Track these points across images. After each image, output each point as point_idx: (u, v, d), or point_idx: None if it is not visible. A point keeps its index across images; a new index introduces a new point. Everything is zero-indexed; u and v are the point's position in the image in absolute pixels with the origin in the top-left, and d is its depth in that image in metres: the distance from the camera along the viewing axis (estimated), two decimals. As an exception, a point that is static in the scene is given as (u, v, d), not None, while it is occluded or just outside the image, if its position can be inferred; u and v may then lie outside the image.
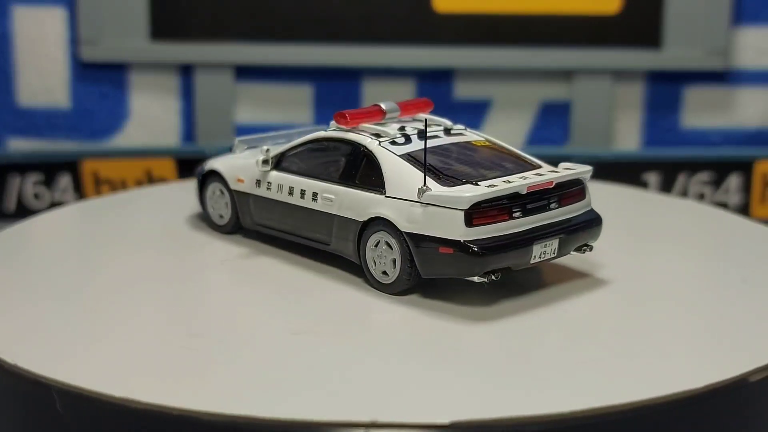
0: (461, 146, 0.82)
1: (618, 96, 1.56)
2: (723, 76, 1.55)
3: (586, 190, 0.81)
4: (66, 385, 0.62)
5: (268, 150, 0.88)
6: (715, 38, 1.51)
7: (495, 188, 0.74)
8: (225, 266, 0.87)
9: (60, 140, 1.56)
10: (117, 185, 1.50)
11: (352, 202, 0.80)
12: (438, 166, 0.78)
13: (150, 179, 1.50)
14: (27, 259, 0.90)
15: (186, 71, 1.55)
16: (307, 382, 0.64)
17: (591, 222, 0.80)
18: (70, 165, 1.49)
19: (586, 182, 0.81)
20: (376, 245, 0.78)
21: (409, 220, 0.75)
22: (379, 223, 0.78)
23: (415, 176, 0.76)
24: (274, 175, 0.88)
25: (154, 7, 1.51)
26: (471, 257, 0.72)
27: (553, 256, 0.77)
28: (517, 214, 0.75)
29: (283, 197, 0.86)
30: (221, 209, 0.94)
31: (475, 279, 0.73)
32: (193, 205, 1.05)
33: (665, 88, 1.56)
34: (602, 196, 1.13)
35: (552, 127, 1.58)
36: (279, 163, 0.88)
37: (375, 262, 0.79)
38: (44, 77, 1.54)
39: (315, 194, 0.83)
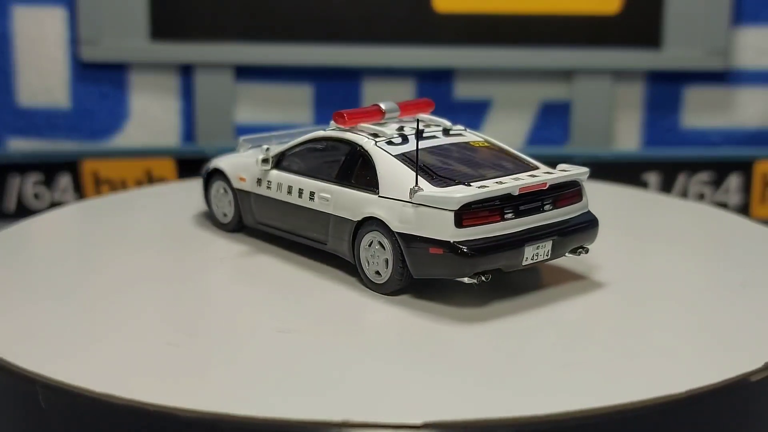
0: (458, 147, 0.82)
1: (618, 96, 1.56)
2: (723, 76, 1.55)
3: (583, 192, 0.81)
4: (66, 385, 0.62)
5: (268, 149, 0.88)
6: (715, 38, 1.51)
7: (486, 189, 0.73)
8: (224, 265, 0.87)
9: (60, 140, 1.56)
10: (117, 185, 1.50)
11: (347, 202, 0.80)
12: (432, 166, 0.77)
13: (150, 179, 1.50)
14: (27, 259, 0.90)
15: (186, 71, 1.56)
16: (286, 381, 0.63)
17: (587, 224, 0.80)
18: (70, 165, 1.50)
19: (583, 184, 0.81)
20: (370, 245, 0.78)
21: (401, 220, 0.75)
22: (372, 223, 0.78)
23: (408, 176, 0.76)
24: (275, 174, 0.88)
25: (154, 7, 1.51)
26: (460, 258, 0.72)
27: (546, 258, 0.77)
28: (509, 215, 0.74)
29: (283, 196, 0.86)
30: (225, 207, 0.95)
31: (465, 280, 0.73)
32: (193, 204, 1.05)
33: (665, 88, 1.56)
34: (602, 196, 1.14)
35: (552, 127, 1.58)
36: (279, 162, 0.88)
37: (368, 262, 0.79)
38: (44, 77, 1.54)
39: (312, 193, 0.83)
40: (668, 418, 0.61)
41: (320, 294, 0.79)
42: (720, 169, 1.51)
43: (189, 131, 1.58)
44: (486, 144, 0.84)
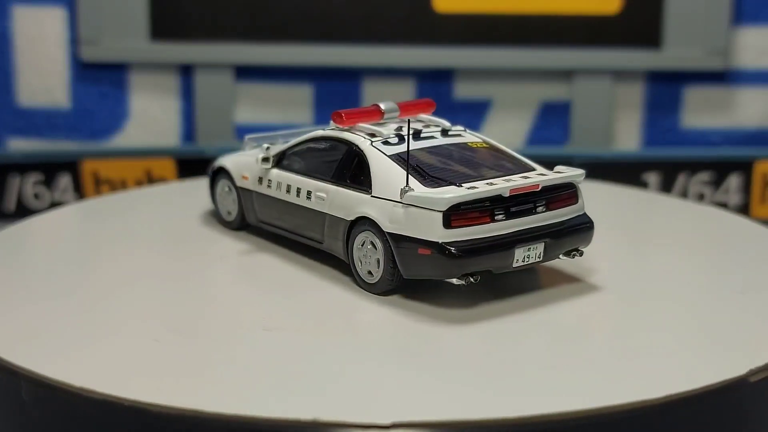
0: (455, 147, 0.82)
1: (618, 96, 1.56)
2: (723, 76, 1.55)
3: (579, 194, 0.80)
4: (66, 385, 0.62)
5: (268, 148, 0.89)
6: (715, 38, 1.51)
7: (475, 190, 0.73)
8: (223, 264, 0.87)
9: (60, 140, 1.56)
10: (117, 185, 1.50)
11: (341, 201, 0.80)
12: (426, 166, 0.77)
13: (150, 179, 1.50)
14: (27, 259, 0.90)
15: (186, 71, 1.55)
16: (264, 379, 0.64)
17: (581, 226, 0.79)
18: (70, 165, 1.50)
19: (579, 186, 0.80)
20: (362, 245, 0.78)
21: (392, 220, 0.75)
22: (365, 222, 0.78)
23: (400, 176, 0.76)
24: (275, 173, 0.88)
25: (154, 7, 1.51)
26: (448, 259, 0.72)
27: (538, 260, 0.76)
28: (500, 216, 0.74)
29: (282, 195, 0.87)
30: (229, 206, 0.95)
31: (454, 281, 0.73)
32: (193, 204, 1.05)
33: (665, 88, 1.56)
34: (602, 196, 1.14)
35: (552, 127, 1.58)
36: (280, 161, 0.89)
37: (361, 262, 0.79)
38: (44, 77, 1.54)
39: (309, 193, 0.84)
40: (668, 419, 0.61)
41: (313, 293, 0.79)
42: (720, 169, 1.51)
43: (189, 131, 1.58)
44: (484, 145, 0.83)
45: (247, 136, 0.96)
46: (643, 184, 1.51)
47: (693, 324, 0.75)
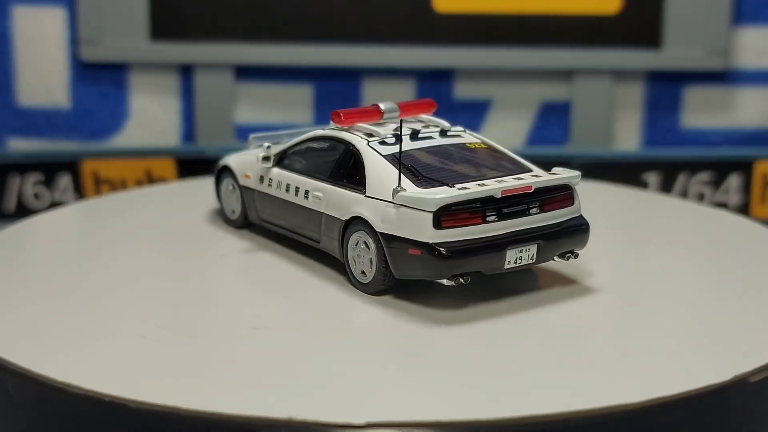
0: (452, 148, 0.81)
1: (618, 96, 1.56)
2: (723, 76, 1.55)
3: (575, 196, 0.79)
4: (66, 385, 0.62)
5: (269, 147, 0.89)
6: (715, 38, 1.51)
7: (465, 191, 0.73)
8: (223, 264, 0.87)
9: (60, 140, 1.56)
10: (117, 185, 1.50)
11: (337, 201, 0.81)
12: (420, 167, 0.77)
13: (150, 179, 1.50)
14: (27, 259, 0.90)
15: (186, 71, 1.56)
16: (245, 377, 0.64)
17: (576, 228, 0.79)
18: (70, 165, 1.50)
19: (575, 187, 0.79)
20: (356, 244, 0.78)
21: (384, 220, 0.75)
22: (358, 222, 0.78)
23: (394, 177, 0.76)
24: (276, 171, 0.89)
25: (154, 7, 1.51)
26: (438, 259, 0.72)
27: (531, 262, 0.76)
28: (492, 218, 0.74)
29: (282, 194, 0.87)
30: (233, 204, 0.96)
31: (444, 282, 0.73)
32: (193, 204, 1.05)
33: (665, 88, 1.56)
34: (602, 196, 1.14)
35: (552, 127, 1.58)
36: (281, 160, 0.89)
37: (355, 261, 0.79)
38: (44, 77, 1.54)
39: (307, 192, 0.84)
40: (668, 419, 0.61)
41: (307, 292, 0.79)
42: (720, 169, 1.51)
43: (189, 131, 1.58)
44: (483, 146, 0.83)
45: (252, 135, 0.96)
46: (643, 184, 1.51)
47: (693, 324, 0.75)
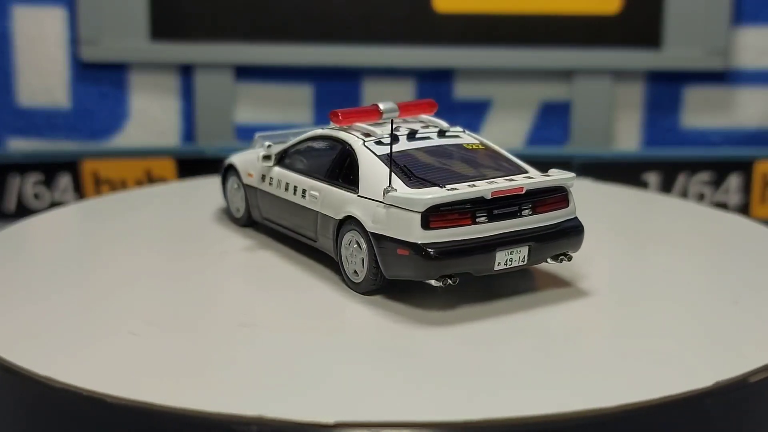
0: (449, 149, 0.81)
1: (618, 96, 1.56)
2: (723, 76, 1.55)
3: (570, 198, 0.79)
4: (66, 385, 0.63)
5: (269, 146, 0.89)
6: (715, 38, 1.51)
7: (454, 192, 0.72)
8: (222, 264, 0.87)
9: (60, 140, 1.56)
10: (117, 185, 1.50)
11: (332, 200, 0.81)
12: (413, 167, 0.77)
13: (150, 179, 1.50)
14: (27, 259, 0.90)
15: (186, 71, 1.56)
16: (225, 375, 0.64)
17: (569, 230, 0.78)
18: (70, 165, 1.50)
19: (570, 189, 0.79)
20: (349, 244, 0.78)
21: (374, 220, 0.75)
22: (351, 222, 0.78)
23: (386, 176, 0.76)
24: (276, 170, 0.89)
25: (154, 7, 1.51)
26: (425, 260, 0.71)
27: (522, 264, 0.75)
28: (482, 219, 0.73)
29: (281, 193, 0.88)
30: (238, 203, 0.96)
31: (433, 282, 0.73)
32: (193, 204, 1.05)
33: (665, 88, 1.56)
34: (602, 196, 1.14)
35: (552, 127, 1.58)
36: (282, 159, 0.89)
37: (348, 261, 0.79)
38: (44, 77, 1.54)
39: (304, 191, 0.84)
40: (667, 419, 0.61)
41: (300, 291, 0.79)
42: (720, 169, 1.51)
43: (189, 131, 1.58)
44: (480, 147, 0.83)
45: (258, 134, 0.96)
46: (643, 184, 1.51)
47: (693, 324, 0.75)
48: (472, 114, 1.56)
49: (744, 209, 1.51)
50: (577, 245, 0.79)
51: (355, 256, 0.78)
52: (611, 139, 1.57)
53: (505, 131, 1.57)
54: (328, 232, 0.81)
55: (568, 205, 0.78)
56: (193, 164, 1.49)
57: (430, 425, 0.58)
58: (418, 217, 0.72)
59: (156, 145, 1.56)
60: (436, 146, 0.81)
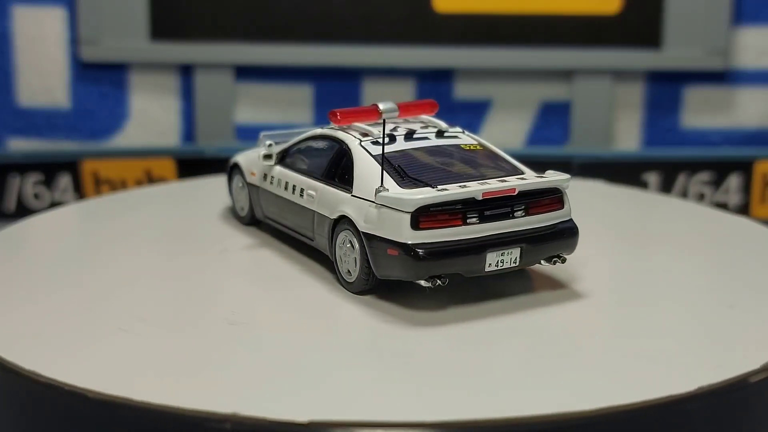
0: (446, 149, 0.81)
1: (618, 96, 1.56)
2: (723, 76, 1.55)
3: (565, 200, 0.78)
4: (65, 385, 0.63)
5: (270, 145, 0.90)
6: (715, 38, 1.51)
7: (445, 193, 0.72)
8: (222, 263, 0.87)
9: (60, 140, 1.56)
10: (117, 185, 1.50)
11: (327, 200, 0.81)
12: (407, 167, 0.77)
13: (150, 179, 1.50)
14: (27, 259, 0.90)
15: (186, 71, 1.56)
16: (211, 373, 0.64)
17: (563, 232, 0.77)
18: (70, 165, 1.50)
19: (566, 191, 0.78)
20: (344, 243, 0.78)
21: (366, 219, 0.75)
22: (345, 221, 0.78)
23: (379, 176, 0.76)
24: (277, 170, 0.89)
25: (154, 7, 1.51)
26: (414, 260, 0.71)
27: (514, 265, 0.75)
28: (473, 220, 0.73)
29: (281, 192, 0.88)
30: (242, 201, 0.97)
31: (422, 283, 0.72)
32: (193, 204, 1.05)
33: (665, 88, 1.56)
34: (602, 196, 1.14)
35: (552, 127, 1.58)
36: (284, 158, 0.89)
37: (342, 260, 0.79)
38: (44, 77, 1.54)
39: (302, 190, 0.84)
40: (667, 419, 0.61)
41: (294, 290, 0.79)
42: (720, 169, 1.51)
43: (189, 131, 1.58)
44: (478, 147, 0.82)
45: (263, 133, 0.96)
46: (643, 184, 1.51)
47: (693, 324, 0.75)
48: (472, 114, 1.56)
49: (744, 209, 1.51)
50: (571, 247, 0.78)
51: (348, 255, 0.78)
52: (611, 139, 1.57)
53: (505, 131, 1.57)
54: (324, 231, 0.81)
55: (562, 207, 0.78)
56: (193, 164, 1.49)
57: (404, 425, 0.58)
58: (408, 217, 0.72)
59: (156, 145, 1.56)
60: (433, 147, 0.81)
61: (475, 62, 1.54)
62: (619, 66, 1.54)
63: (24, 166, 1.49)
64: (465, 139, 0.83)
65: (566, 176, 0.77)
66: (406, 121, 0.86)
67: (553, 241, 0.77)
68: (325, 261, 0.84)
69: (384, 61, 1.53)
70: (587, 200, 1.09)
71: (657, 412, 0.61)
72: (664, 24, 1.52)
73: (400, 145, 0.80)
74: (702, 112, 1.57)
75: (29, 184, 1.50)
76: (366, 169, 0.78)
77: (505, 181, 0.76)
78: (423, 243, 0.72)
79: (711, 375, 0.64)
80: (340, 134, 0.83)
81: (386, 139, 0.80)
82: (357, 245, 0.76)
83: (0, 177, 1.49)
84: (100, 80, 1.55)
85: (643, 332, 0.72)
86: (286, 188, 0.87)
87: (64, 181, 1.50)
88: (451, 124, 0.87)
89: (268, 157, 0.89)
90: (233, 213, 0.99)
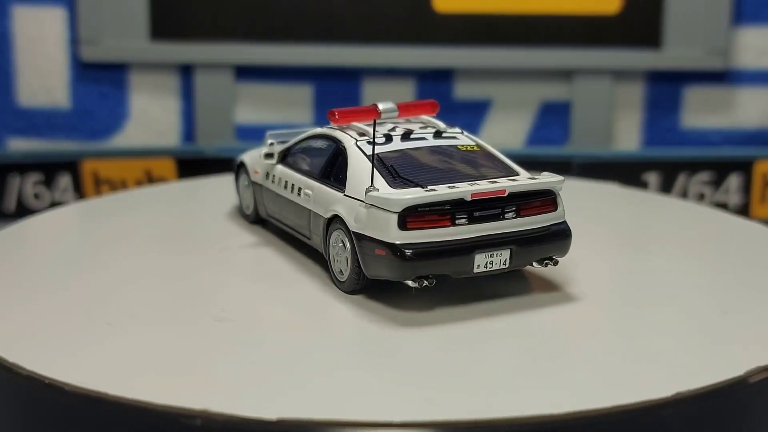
0: (442, 150, 0.81)
1: (618, 96, 1.56)
2: (723, 76, 1.55)
3: (559, 202, 0.77)
4: (65, 384, 0.63)
5: (272, 144, 0.90)
6: (715, 38, 1.51)
7: (433, 193, 0.72)
8: (222, 263, 0.87)
9: (60, 140, 1.56)
10: (117, 185, 1.50)
11: (322, 199, 0.81)
12: (399, 167, 0.77)
13: (150, 179, 1.50)
14: (27, 259, 0.90)
15: (186, 71, 1.56)
16: (192, 369, 0.65)
17: (555, 235, 0.76)
18: (70, 165, 1.50)
19: (559, 193, 0.77)
20: (336, 242, 0.79)
21: (356, 219, 0.75)
22: (337, 221, 0.78)
23: (374, 177, 0.76)
24: (279, 168, 0.90)
25: (154, 7, 1.51)
26: (400, 260, 0.71)
27: (503, 267, 0.74)
28: (462, 221, 0.73)
29: (281, 190, 0.88)
30: (247, 200, 0.97)
31: (409, 283, 0.72)
32: (193, 204, 1.05)
33: (665, 88, 1.56)
34: (602, 196, 1.14)
35: (552, 127, 1.58)
36: (285, 157, 0.90)
37: (335, 260, 0.79)
38: (44, 77, 1.54)
39: (299, 189, 0.85)
40: (667, 419, 0.61)
41: (287, 288, 0.80)
42: (720, 169, 1.51)
43: (189, 131, 1.58)
44: (476, 148, 0.82)
45: (269, 133, 0.97)
46: (643, 184, 1.51)
47: (692, 324, 0.74)
48: (472, 114, 1.56)
49: (744, 209, 1.51)
50: (563, 250, 0.78)
51: (340, 255, 0.78)
52: (611, 139, 1.57)
53: (505, 131, 1.57)
54: (319, 230, 0.81)
55: (556, 209, 0.77)
56: (193, 164, 1.49)
57: (374, 425, 0.58)
58: (395, 217, 0.71)
59: (156, 145, 1.56)
60: (430, 147, 0.81)
61: (475, 62, 1.54)
62: (619, 66, 1.54)
63: (24, 166, 1.49)
64: (463, 139, 0.83)
65: (559, 178, 0.77)
66: (408, 121, 0.86)
67: (545, 243, 0.76)
68: (322, 260, 0.84)
69: (384, 61, 1.53)
70: (587, 201, 1.10)
71: (657, 412, 0.61)
72: (664, 24, 1.52)
73: (396, 145, 0.80)
74: (702, 112, 1.57)
75: (29, 184, 1.50)
76: (359, 168, 0.78)
77: (496, 182, 0.75)
78: (410, 243, 0.71)
79: (711, 375, 0.64)
80: (338, 134, 0.83)
81: (383, 139, 0.80)
82: (348, 245, 0.76)
83: (0, 177, 1.49)
84: (100, 80, 1.55)
85: (642, 332, 0.72)
86: (285, 187, 0.87)
87: (64, 181, 1.50)
88: (451, 124, 0.86)
89: (269, 156, 0.90)
90: (240, 212, 1.00)
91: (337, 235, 0.78)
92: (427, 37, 1.53)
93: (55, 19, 1.53)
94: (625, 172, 1.47)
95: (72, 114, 1.56)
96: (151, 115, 1.57)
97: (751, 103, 1.56)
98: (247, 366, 0.65)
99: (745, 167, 1.51)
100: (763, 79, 1.55)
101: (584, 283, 0.81)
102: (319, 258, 0.85)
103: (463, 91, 1.57)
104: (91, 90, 1.55)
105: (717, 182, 1.52)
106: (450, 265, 0.73)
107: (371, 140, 0.80)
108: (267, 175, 0.91)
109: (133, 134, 1.57)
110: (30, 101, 1.55)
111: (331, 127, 0.85)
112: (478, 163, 0.79)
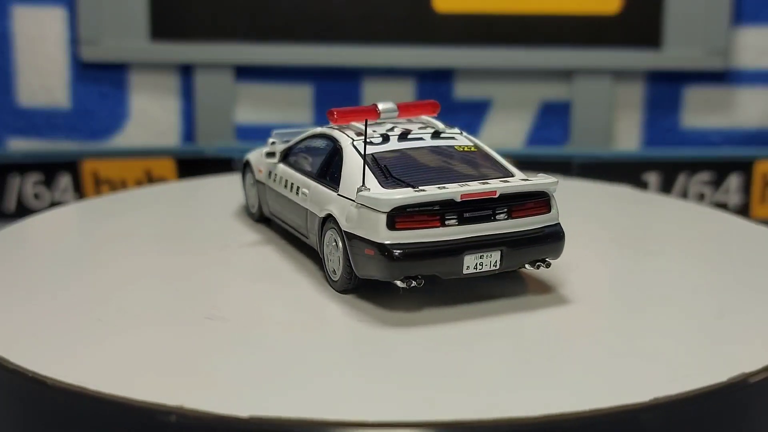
0: (438, 150, 0.80)
1: (618, 96, 1.56)
2: (723, 76, 1.55)
3: (552, 203, 0.77)
4: (65, 384, 0.63)
5: (273, 143, 0.91)
6: (715, 38, 1.51)
7: (422, 193, 0.72)
8: (222, 263, 0.87)
9: (60, 140, 1.56)
10: (117, 185, 1.50)
11: (318, 198, 0.81)
12: (393, 167, 0.77)
13: (150, 179, 1.50)
14: (27, 259, 0.90)
15: (186, 71, 1.56)
16: (182, 367, 0.65)
17: (548, 237, 0.76)
18: (70, 165, 1.50)
19: (553, 194, 0.77)
20: (330, 242, 0.79)
21: (347, 219, 0.75)
22: (331, 220, 0.78)
23: (366, 176, 0.76)
24: (280, 167, 0.90)
25: (154, 7, 1.51)
26: (388, 260, 0.71)
27: (494, 268, 0.74)
28: (452, 221, 0.72)
29: (281, 189, 0.89)
30: (252, 198, 0.98)
31: (398, 283, 0.72)
32: (193, 204, 1.05)
33: (665, 88, 1.56)
34: (602, 196, 1.14)
35: (552, 127, 1.58)
36: (286, 156, 0.90)
37: (328, 259, 0.79)
38: (44, 77, 1.54)
39: (298, 188, 0.85)
40: (667, 419, 0.61)
41: (282, 287, 0.80)
42: (720, 169, 1.51)
43: (189, 131, 1.58)
44: (473, 149, 0.82)
45: (274, 131, 0.97)
46: (643, 184, 1.51)
47: (692, 324, 0.74)
48: (472, 114, 1.56)
49: (744, 209, 1.51)
50: (556, 252, 0.77)
51: (333, 254, 0.78)
52: (611, 139, 1.57)
53: (505, 131, 1.57)
54: (314, 229, 0.81)
55: (549, 211, 0.76)
56: (193, 164, 1.49)
57: (372, 425, 0.58)
58: (384, 217, 0.71)
59: (156, 145, 1.56)
60: (426, 147, 0.81)
61: (475, 62, 1.54)
62: (619, 66, 1.54)
63: (24, 166, 1.49)
64: (461, 140, 0.83)
65: (553, 179, 0.76)
66: (409, 121, 0.86)
67: (537, 245, 0.75)
68: (320, 259, 0.84)
69: (384, 61, 1.53)
70: (586, 200, 1.10)
71: (657, 412, 0.61)
72: (664, 24, 1.52)
73: (393, 145, 0.80)
74: (702, 112, 1.57)
75: (29, 184, 1.50)
76: (353, 168, 0.78)
77: (488, 183, 0.75)
78: (399, 243, 0.71)
79: (711, 375, 0.64)
80: (336, 133, 0.83)
81: (380, 139, 0.80)
82: (340, 244, 0.76)
83: (0, 177, 1.49)
84: (100, 80, 1.55)
85: (642, 332, 0.72)
86: (285, 186, 0.88)
87: (64, 181, 1.50)
88: (451, 124, 0.86)
89: (271, 155, 0.90)
90: (246, 210, 1.00)
91: (330, 235, 0.78)
92: (427, 37, 1.53)
93: (55, 19, 1.53)
94: (625, 172, 1.47)
95: (72, 114, 1.56)
96: (151, 115, 1.57)
97: (751, 103, 1.56)
98: (246, 366, 0.65)
99: (745, 167, 1.51)
100: (763, 79, 1.55)
101: (584, 284, 0.81)
102: (316, 256, 0.85)
103: (463, 91, 1.57)
104: (91, 90, 1.55)
105: (717, 182, 1.52)
106: (439, 265, 0.72)
107: (369, 140, 0.80)
108: (269, 174, 0.92)
109: (133, 134, 1.57)
110: (30, 101, 1.55)
111: (330, 127, 0.85)
112: (474, 164, 0.79)
